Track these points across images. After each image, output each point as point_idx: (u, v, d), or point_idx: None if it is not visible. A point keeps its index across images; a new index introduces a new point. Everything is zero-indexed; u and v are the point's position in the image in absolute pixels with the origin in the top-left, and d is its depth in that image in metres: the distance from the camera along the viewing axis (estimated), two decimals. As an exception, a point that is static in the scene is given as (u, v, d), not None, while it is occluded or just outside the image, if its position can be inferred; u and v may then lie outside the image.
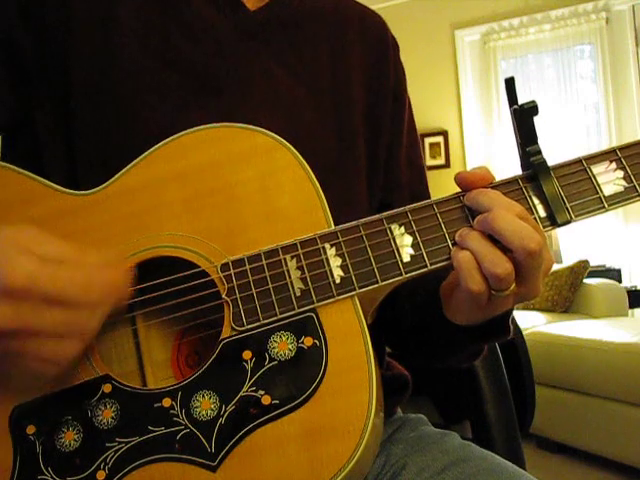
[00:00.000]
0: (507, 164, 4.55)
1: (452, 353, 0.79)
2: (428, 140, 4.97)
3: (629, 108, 4.53)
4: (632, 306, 3.88)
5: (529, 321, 3.31)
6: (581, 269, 3.75)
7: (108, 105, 0.71)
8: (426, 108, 4.79)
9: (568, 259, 4.10)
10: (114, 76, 0.72)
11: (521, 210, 0.58)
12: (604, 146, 4.48)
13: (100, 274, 0.53)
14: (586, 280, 3.76)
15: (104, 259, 0.55)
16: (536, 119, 0.61)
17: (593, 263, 4.03)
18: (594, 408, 2.64)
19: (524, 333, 1.42)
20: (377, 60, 0.86)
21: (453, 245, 0.60)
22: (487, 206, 0.59)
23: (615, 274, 4.18)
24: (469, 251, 0.58)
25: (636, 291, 4.08)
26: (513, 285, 0.58)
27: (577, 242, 4.35)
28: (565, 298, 3.71)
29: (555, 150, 4.31)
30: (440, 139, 5.01)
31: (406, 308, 0.80)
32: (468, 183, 0.62)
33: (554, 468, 2.70)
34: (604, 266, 4.30)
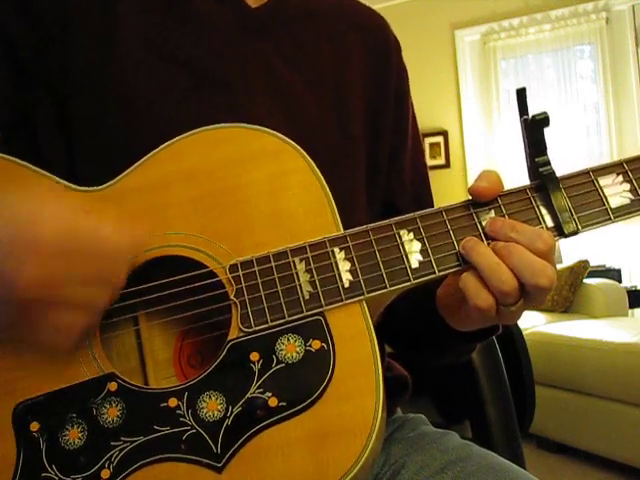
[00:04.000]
0: (507, 164, 4.54)
1: (446, 351, 0.80)
2: (428, 140, 4.96)
3: (629, 108, 4.52)
4: (632, 306, 3.88)
5: (529, 321, 3.31)
6: (581, 269, 3.76)
7: (108, 101, 0.71)
8: (426, 108, 4.79)
9: (568, 259, 4.10)
10: (114, 72, 0.71)
11: (546, 247, 0.58)
12: (604, 146, 4.49)
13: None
14: (586, 280, 3.76)
15: None
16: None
17: (593, 263, 4.03)
18: (594, 408, 2.64)
19: (524, 333, 1.42)
20: (379, 62, 0.86)
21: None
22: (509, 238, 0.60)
23: (615, 274, 4.18)
24: (475, 265, 0.59)
25: (636, 291, 4.08)
26: (521, 301, 0.59)
27: (577, 242, 4.34)
28: (565, 298, 3.71)
29: (555, 150, 4.30)
30: (440, 139, 5.01)
31: (399, 306, 0.80)
32: (481, 196, 0.62)
33: (554, 468, 2.70)
34: (604, 266, 4.30)
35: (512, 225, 0.60)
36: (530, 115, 0.61)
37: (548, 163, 0.62)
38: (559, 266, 3.88)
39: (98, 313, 0.57)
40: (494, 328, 0.71)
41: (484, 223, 0.62)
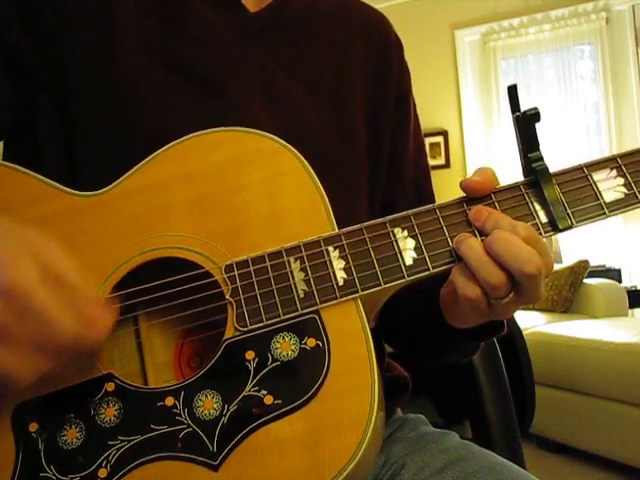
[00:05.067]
0: (507, 164, 4.54)
1: (449, 351, 0.80)
2: (428, 140, 4.97)
3: (629, 108, 4.53)
4: (632, 306, 3.88)
5: (529, 321, 3.32)
6: (581, 269, 3.76)
7: (108, 106, 0.71)
8: (426, 108, 4.76)
9: (568, 259, 4.10)
10: (113, 77, 0.72)
11: (527, 232, 0.58)
12: (604, 146, 4.49)
13: (90, 314, 0.52)
14: (586, 280, 3.76)
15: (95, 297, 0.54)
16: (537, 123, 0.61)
17: (593, 263, 4.03)
18: (594, 408, 2.64)
19: (524, 333, 1.42)
20: (380, 61, 0.86)
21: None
22: (491, 229, 0.59)
23: (615, 274, 4.18)
24: (464, 258, 0.59)
25: (636, 291, 4.08)
26: (512, 294, 0.58)
27: (577, 242, 4.35)
28: (565, 298, 3.72)
29: (555, 150, 4.32)
30: (440, 139, 5.01)
31: (403, 306, 0.80)
32: (474, 190, 0.62)
33: (554, 468, 2.70)
34: (604, 266, 4.31)
35: (496, 218, 0.60)
36: (522, 111, 0.61)
37: (541, 159, 0.62)
38: (559, 266, 3.88)
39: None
40: (497, 328, 0.70)
41: (469, 212, 0.61)
